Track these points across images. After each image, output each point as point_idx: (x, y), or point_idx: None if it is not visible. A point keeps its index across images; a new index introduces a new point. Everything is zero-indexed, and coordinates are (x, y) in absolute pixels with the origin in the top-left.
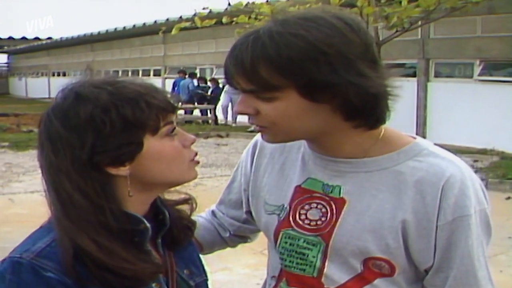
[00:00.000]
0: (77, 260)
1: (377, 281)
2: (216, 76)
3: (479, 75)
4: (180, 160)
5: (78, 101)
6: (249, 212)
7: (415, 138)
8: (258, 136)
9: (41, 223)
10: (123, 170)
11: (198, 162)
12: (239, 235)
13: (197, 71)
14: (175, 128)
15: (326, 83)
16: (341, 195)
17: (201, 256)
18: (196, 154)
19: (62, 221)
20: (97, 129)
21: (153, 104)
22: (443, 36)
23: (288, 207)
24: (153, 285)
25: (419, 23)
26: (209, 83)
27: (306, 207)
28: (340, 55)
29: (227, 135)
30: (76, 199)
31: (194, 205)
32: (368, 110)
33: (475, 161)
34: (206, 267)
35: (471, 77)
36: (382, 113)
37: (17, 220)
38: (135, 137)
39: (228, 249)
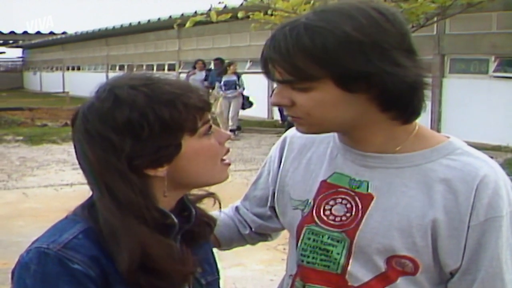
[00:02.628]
0: (102, 252)
1: (399, 280)
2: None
3: (494, 71)
4: (216, 159)
5: (116, 104)
6: (272, 208)
7: (448, 137)
8: (287, 132)
9: (55, 217)
10: (161, 171)
11: (229, 164)
12: (260, 233)
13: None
14: (211, 126)
15: (361, 73)
16: (369, 191)
17: (215, 252)
18: (228, 150)
19: (110, 220)
20: (136, 133)
21: (190, 104)
22: (458, 32)
23: (312, 202)
24: None
25: (435, 19)
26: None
27: (331, 202)
28: (374, 44)
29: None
30: (117, 195)
31: (217, 201)
32: (404, 101)
33: (490, 157)
34: (219, 263)
35: (486, 73)
36: (418, 104)
37: (30, 214)
38: (174, 139)
39: None
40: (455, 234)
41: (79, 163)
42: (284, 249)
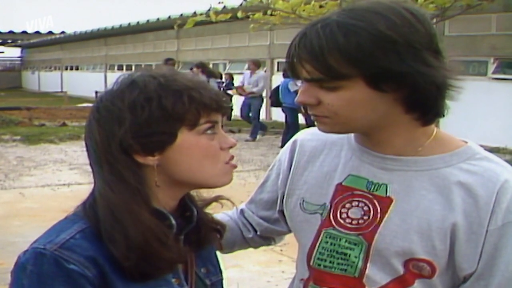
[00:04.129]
0: (100, 252)
1: (416, 283)
2: (228, 71)
3: (493, 73)
4: (213, 160)
5: (129, 87)
6: (281, 212)
7: (467, 142)
8: (297, 135)
9: (52, 217)
10: (151, 160)
11: (235, 166)
12: (264, 236)
13: (210, 66)
14: (213, 126)
15: (394, 72)
16: (388, 194)
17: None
18: (232, 157)
19: (110, 198)
20: (135, 115)
21: (196, 99)
22: (458, 33)
23: (329, 206)
24: (173, 280)
25: (434, 20)
26: (223, 78)
27: (347, 205)
28: (407, 44)
29: (239, 131)
30: (117, 169)
31: (227, 204)
32: (431, 102)
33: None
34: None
35: (485, 75)
36: (442, 105)
37: (28, 214)
38: (170, 128)
39: None
40: (473, 238)
41: (85, 145)
42: (281, 250)
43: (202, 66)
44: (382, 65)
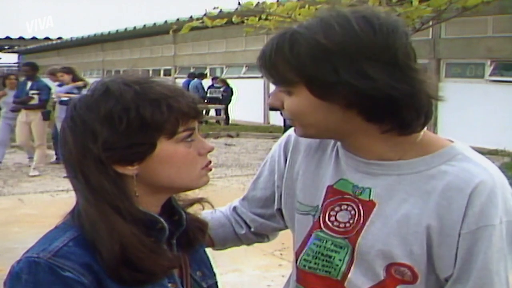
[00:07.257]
0: (94, 259)
1: None
2: (226, 76)
3: (490, 75)
4: (191, 167)
5: (104, 96)
6: (279, 210)
7: (452, 141)
8: (290, 131)
9: (51, 223)
10: (130, 170)
11: (210, 169)
12: (258, 233)
13: (207, 71)
14: (192, 134)
15: (325, 81)
16: (371, 198)
17: (210, 257)
18: (210, 162)
19: (86, 209)
20: (113, 125)
21: (175, 107)
22: (454, 36)
23: (320, 208)
24: (169, 285)
25: (430, 23)
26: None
27: (337, 208)
28: (343, 53)
29: (237, 135)
30: (91, 181)
31: (206, 206)
32: (384, 114)
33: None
34: (216, 269)
35: (482, 77)
36: (411, 119)
37: (26, 220)
38: (149, 139)
39: (239, 250)
40: (447, 241)
41: (61, 154)
42: (281, 254)
43: (72, 72)
44: (315, 75)
